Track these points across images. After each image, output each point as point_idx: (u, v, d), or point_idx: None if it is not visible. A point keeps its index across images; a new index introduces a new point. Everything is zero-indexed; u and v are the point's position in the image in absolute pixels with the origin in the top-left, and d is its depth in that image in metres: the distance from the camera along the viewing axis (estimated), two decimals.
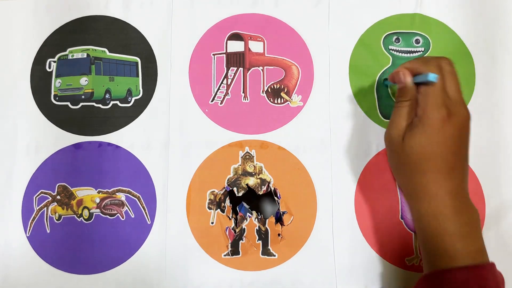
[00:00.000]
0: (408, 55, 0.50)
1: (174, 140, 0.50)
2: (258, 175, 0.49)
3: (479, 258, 0.37)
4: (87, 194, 0.49)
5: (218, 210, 0.48)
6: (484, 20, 0.50)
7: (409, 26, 0.50)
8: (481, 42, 0.50)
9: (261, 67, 0.51)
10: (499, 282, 0.37)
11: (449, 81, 0.39)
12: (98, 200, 0.49)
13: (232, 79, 0.51)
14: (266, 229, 0.48)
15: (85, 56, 0.51)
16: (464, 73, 0.49)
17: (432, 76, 0.38)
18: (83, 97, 0.51)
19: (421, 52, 0.50)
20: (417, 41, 0.50)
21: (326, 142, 0.49)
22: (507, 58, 0.49)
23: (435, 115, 0.38)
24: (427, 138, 0.38)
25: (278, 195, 0.48)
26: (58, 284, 0.48)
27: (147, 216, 0.48)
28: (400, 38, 0.50)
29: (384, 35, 0.50)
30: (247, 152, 0.49)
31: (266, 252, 0.47)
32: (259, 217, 0.48)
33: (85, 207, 0.49)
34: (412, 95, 0.40)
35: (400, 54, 0.50)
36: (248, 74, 0.51)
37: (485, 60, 0.50)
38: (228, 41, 0.51)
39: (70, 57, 0.52)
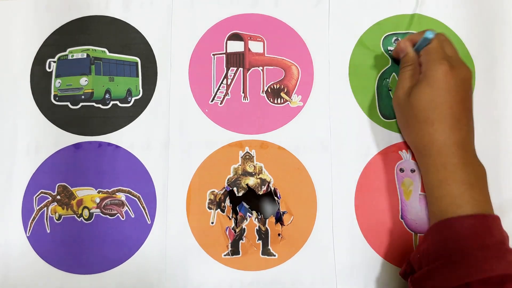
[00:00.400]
0: None
1: (174, 140, 0.50)
2: (258, 175, 0.49)
3: (486, 208, 0.39)
4: (87, 194, 0.49)
5: (218, 210, 0.48)
6: (483, 20, 0.50)
7: (409, 26, 0.50)
8: (480, 42, 0.50)
9: (261, 67, 0.51)
10: (503, 234, 0.38)
11: (446, 45, 0.44)
12: (98, 200, 0.49)
13: (232, 79, 0.51)
14: (266, 229, 0.48)
15: (85, 56, 0.52)
16: None
17: (429, 33, 0.42)
18: (83, 97, 0.51)
19: None
20: None
21: (326, 142, 0.49)
22: (507, 58, 0.49)
23: (438, 67, 0.41)
24: (432, 89, 0.41)
25: (278, 195, 0.48)
26: (58, 284, 0.48)
27: (147, 216, 0.48)
28: (399, 39, 0.50)
29: (383, 36, 0.50)
30: (247, 152, 0.49)
31: (266, 252, 0.47)
32: (259, 217, 0.48)
33: (85, 207, 0.49)
34: (413, 59, 0.44)
35: None
36: (248, 74, 0.51)
37: (484, 60, 0.50)
38: (228, 41, 0.51)
39: (70, 57, 0.52)
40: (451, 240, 0.38)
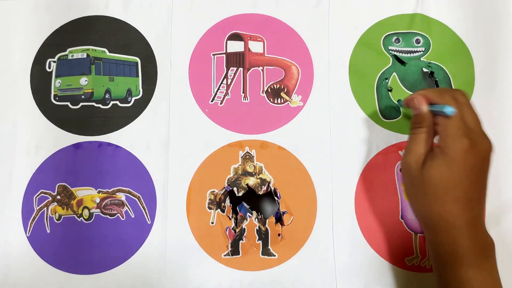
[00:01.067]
0: (409, 55, 0.50)
1: (174, 140, 0.50)
2: (258, 175, 0.49)
3: None
4: (87, 194, 0.49)
5: (218, 210, 0.48)
6: (483, 20, 0.50)
7: (409, 26, 0.50)
8: (481, 42, 0.50)
9: (261, 67, 0.51)
10: None
11: (466, 112, 0.38)
12: (98, 200, 0.49)
13: (232, 79, 0.51)
14: (266, 229, 0.48)
15: (85, 56, 0.52)
16: (464, 73, 0.49)
17: (450, 111, 0.37)
18: (83, 97, 0.51)
19: (422, 52, 0.50)
20: (418, 41, 0.50)
21: (326, 142, 0.49)
22: (507, 58, 0.49)
23: (458, 145, 0.36)
24: (449, 169, 0.37)
25: (278, 195, 0.48)
26: (58, 284, 0.48)
27: (147, 216, 0.48)
28: (400, 38, 0.50)
29: (384, 36, 0.50)
30: (247, 152, 0.49)
31: (266, 252, 0.47)
32: (259, 217, 0.48)
33: (85, 207, 0.49)
34: (428, 122, 0.39)
35: (401, 54, 0.50)
36: (248, 74, 0.51)
37: (485, 60, 0.50)
38: (228, 41, 0.51)
39: (70, 57, 0.52)
40: None
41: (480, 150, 0.37)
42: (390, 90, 0.49)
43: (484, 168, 0.38)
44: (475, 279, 0.37)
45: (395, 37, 0.50)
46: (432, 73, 0.50)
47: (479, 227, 0.38)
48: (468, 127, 0.37)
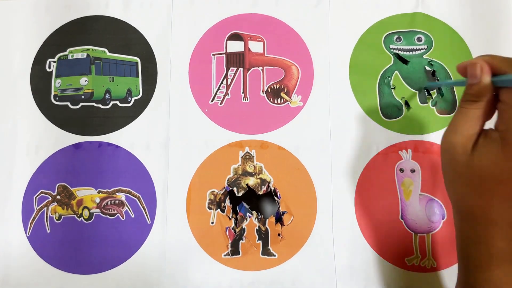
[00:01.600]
0: (411, 53, 0.50)
1: (174, 140, 0.50)
2: (258, 175, 0.49)
3: None
4: (87, 194, 0.49)
5: (218, 210, 0.48)
6: (485, 19, 0.50)
7: (410, 25, 0.50)
8: (482, 41, 0.50)
9: (261, 67, 0.51)
10: None
11: None
12: (98, 200, 0.49)
13: (232, 79, 0.51)
14: (266, 229, 0.48)
15: (85, 56, 0.52)
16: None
17: None
18: (83, 97, 0.51)
19: (424, 50, 0.50)
20: (419, 39, 0.50)
21: (326, 142, 0.49)
22: (508, 56, 0.49)
23: None
24: (507, 160, 0.30)
25: (278, 195, 0.48)
26: (58, 284, 0.48)
27: (147, 216, 0.48)
28: (401, 37, 0.50)
29: (385, 35, 0.50)
30: (247, 152, 0.49)
31: (266, 252, 0.47)
32: (259, 217, 0.48)
33: (85, 207, 0.49)
34: (488, 96, 0.32)
35: (402, 52, 0.50)
36: (248, 74, 0.51)
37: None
38: (228, 41, 0.51)
39: (70, 57, 0.52)
40: None
41: None
42: (393, 88, 0.49)
43: None
44: (505, 282, 0.32)
45: (396, 36, 0.50)
46: (434, 72, 0.49)
47: None
48: None
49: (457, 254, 0.36)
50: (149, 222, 0.48)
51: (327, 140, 0.49)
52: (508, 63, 0.32)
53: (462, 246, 0.35)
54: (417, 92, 0.49)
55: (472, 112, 0.33)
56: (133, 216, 0.49)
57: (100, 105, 0.51)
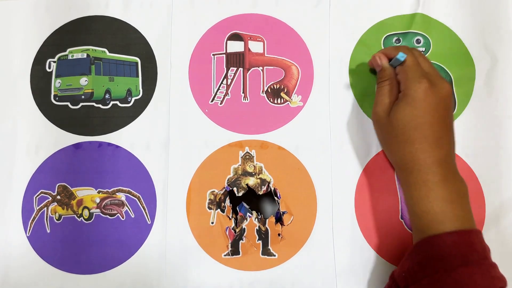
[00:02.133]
0: None
1: (174, 140, 0.50)
2: (258, 175, 0.49)
3: (467, 223, 0.39)
4: (87, 194, 0.49)
5: (218, 210, 0.48)
6: (483, 20, 0.50)
7: (409, 26, 0.50)
8: (481, 42, 0.50)
9: (261, 67, 0.51)
10: (486, 248, 0.38)
11: (422, 61, 0.43)
12: (98, 200, 0.49)
13: (232, 79, 0.51)
14: (266, 229, 0.48)
15: (85, 56, 0.52)
16: (464, 73, 0.49)
17: (401, 55, 0.42)
18: (83, 97, 0.51)
19: (422, 52, 0.50)
20: (418, 41, 0.50)
21: (326, 142, 0.49)
22: (508, 58, 0.49)
23: (417, 85, 0.41)
24: (412, 108, 0.40)
25: (278, 195, 0.48)
26: (58, 284, 0.48)
27: (147, 216, 0.48)
28: (400, 39, 0.50)
29: (384, 36, 0.50)
30: (247, 152, 0.49)
31: (266, 252, 0.47)
32: (259, 217, 0.48)
33: (85, 207, 0.49)
34: (389, 74, 0.44)
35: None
36: (248, 74, 0.51)
37: (485, 60, 0.49)
38: (228, 41, 0.51)
39: (70, 57, 0.52)
40: (435, 259, 0.38)
41: (439, 89, 0.41)
42: None
43: (446, 106, 0.41)
44: (448, 212, 0.39)
45: (395, 38, 0.50)
46: None
47: (449, 166, 0.41)
48: (425, 71, 0.42)
49: (404, 199, 0.43)
50: (149, 222, 0.48)
51: (327, 140, 0.49)
52: (396, 49, 0.44)
53: (406, 191, 0.42)
54: None
55: (383, 88, 0.44)
56: (133, 216, 0.49)
57: (100, 105, 0.51)
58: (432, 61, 0.49)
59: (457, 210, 0.39)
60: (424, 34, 0.50)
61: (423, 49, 0.50)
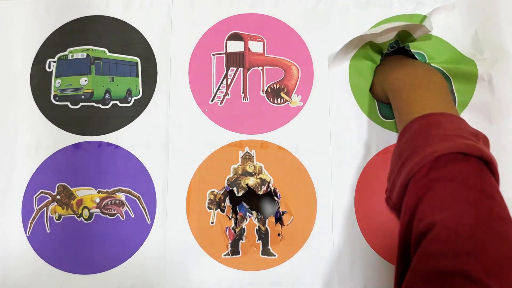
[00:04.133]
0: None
1: (174, 140, 0.50)
2: (258, 175, 0.49)
3: (440, 108, 0.40)
4: (87, 194, 0.49)
5: (218, 210, 0.48)
6: (482, 20, 0.50)
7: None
8: (480, 42, 0.50)
9: (261, 67, 0.51)
10: (462, 127, 0.38)
11: None
12: (98, 200, 0.49)
13: (232, 79, 0.51)
14: (266, 229, 0.48)
15: (85, 56, 0.52)
16: (465, 73, 0.49)
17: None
18: (83, 97, 0.51)
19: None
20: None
21: (326, 142, 0.49)
22: (507, 57, 0.49)
23: None
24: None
25: (278, 195, 0.48)
26: (58, 284, 0.48)
27: (147, 216, 0.48)
28: (395, 46, 0.50)
29: None
30: (247, 152, 0.49)
31: (266, 252, 0.47)
32: (259, 217, 0.48)
33: (85, 207, 0.49)
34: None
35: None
36: (248, 74, 0.51)
37: (485, 60, 0.49)
38: (228, 41, 0.51)
39: (70, 57, 0.52)
40: (405, 146, 0.39)
41: None
42: None
43: None
44: (418, 97, 0.41)
45: (391, 45, 0.50)
46: None
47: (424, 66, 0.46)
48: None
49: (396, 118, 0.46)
50: (149, 222, 0.48)
51: (327, 140, 0.49)
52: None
53: (396, 108, 0.45)
54: None
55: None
56: (133, 216, 0.49)
57: (100, 105, 0.51)
58: (432, 64, 0.49)
59: (426, 95, 0.41)
60: (419, 52, 0.50)
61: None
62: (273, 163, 0.49)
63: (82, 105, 0.51)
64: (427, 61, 0.49)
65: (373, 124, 0.49)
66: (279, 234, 0.48)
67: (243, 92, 0.50)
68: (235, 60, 0.51)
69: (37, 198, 0.49)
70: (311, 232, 0.47)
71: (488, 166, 0.36)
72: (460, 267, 0.29)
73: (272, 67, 0.51)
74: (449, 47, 0.50)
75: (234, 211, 0.48)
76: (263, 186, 0.48)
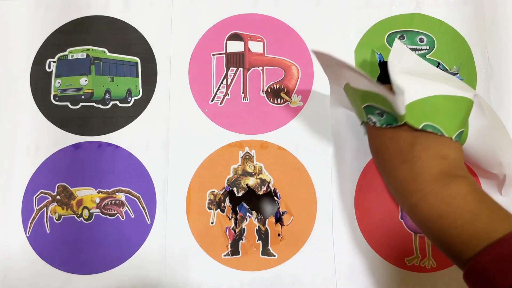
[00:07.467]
0: (414, 52, 0.50)
1: (174, 140, 0.50)
2: (258, 175, 0.49)
3: (502, 225, 0.31)
4: (87, 194, 0.49)
5: (218, 210, 0.48)
6: (484, 18, 0.50)
7: (410, 25, 0.50)
8: (481, 40, 0.50)
9: (260, 67, 0.51)
10: None
11: None
12: (98, 200, 0.49)
13: (232, 79, 0.51)
14: (266, 229, 0.48)
15: (85, 56, 0.52)
16: (466, 73, 0.49)
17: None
18: (83, 97, 0.51)
19: (426, 51, 0.50)
20: (421, 40, 0.50)
21: (326, 142, 0.49)
22: (508, 57, 0.49)
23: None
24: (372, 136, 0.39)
25: (278, 195, 0.48)
26: (58, 284, 0.48)
27: (147, 216, 0.48)
28: (404, 35, 0.50)
29: (387, 33, 0.50)
30: (247, 152, 0.49)
31: (266, 252, 0.47)
32: (259, 217, 0.48)
33: (85, 207, 0.49)
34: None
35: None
36: (248, 74, 0.51)
37: (485, 59, 0.49)
38: (228, 41, 0.51)
39: (70, 57, 0.52)
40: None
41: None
42: None
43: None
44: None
45: (399, 34, 0.50)
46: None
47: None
48: None
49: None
50: (149, 222, 0.48)
51: (327, 140, 0.49)
52: None
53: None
54: None
55: None
56: (133, 216, 0.49)
57: (100, 105, 0.51)
58: (434, 59, 0.49)
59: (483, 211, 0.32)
60: (427, 33, 0.50)
61: (427, 47, 0.50)
62: (273, 163, 0.49)
63: (82, 105, 0.51)
64: (436, 45, 0.49)
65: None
66: (279, 234, 0.48)
67: (243, 92, 0.50)
68: (235, 60, 0.51)
69: (37, 198, 0.49)
70: (311, 232, 0.47)
71: None
72: None
73: (272, 67, 0.51)
74: (458, 35, 0.50)
75: (234, 211, 0.48)
76: (263, 186, 0.48)
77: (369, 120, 0.38)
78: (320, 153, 0.49)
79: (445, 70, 0.49)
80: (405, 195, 0.35)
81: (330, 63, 0.38)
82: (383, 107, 0.36)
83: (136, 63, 0.51)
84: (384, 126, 0.36)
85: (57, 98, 0.51)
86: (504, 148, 0.40)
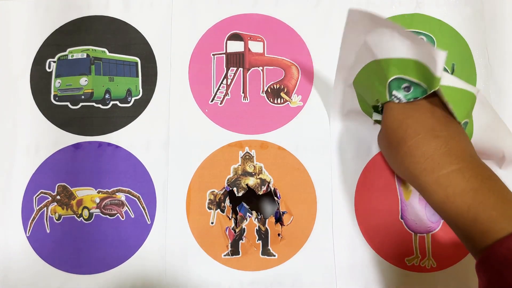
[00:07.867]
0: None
1: (174, 140, 0.50)
2: (258, 175, 0.49)
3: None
4: (87, 194, 0.49)
5: (218, 210, 0.48)
6: (483, 18, 0.50)
7: (411, 25, 0.50)
8: (481, 40, 0.50)
9: (260, 67, 0.51)
10: None
11: None
12: (98, 200, 0.49)
13: (232, 79, 0.51)
14: (266, 229, 0.48)
15: (85, 56, 0.52)
16: (466, 73, 0.49)
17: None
18: (83, 97, 0.51)
19: None
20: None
21: (326, 142, 0.49)
22: (508, 56, 0.49)
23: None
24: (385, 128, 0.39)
25: (278, 195, 0.48)
26: (58, 284, 0.48)
27: (147, 216, 0.48)
28: None
29: None
30: (247, 152, 0.49)
31: (266, 252, 0.47)
32: (259, 217, 0.48)
33: (85, 207, 0.49)
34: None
35: None
36: (248, 74, 0.51)
37: (485, 59, 0.49)
38: (228, 41, 0.51)
39: (70, 57, 0.52)
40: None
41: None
42: None
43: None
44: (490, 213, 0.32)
45: None
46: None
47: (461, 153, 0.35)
48: None
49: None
50: (149, 222, 0.48)
51: (327, 140, 0.49)
52: None
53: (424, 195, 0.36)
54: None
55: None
56: (133, 216, 0.49)
57: (100, 105, 0.51)
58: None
59: (500, 203, 0.32)
60: (427, 33, 0.50)
61: None
62: (273, 163, 0.49)
63: (82, 105, 0.51)
64: (435, 45, 0.49)
65: (374, 124, 0.49)
66: (279, 234, 0.48)
67: (243, 92, 0.50)
68: (235, 60, 0.51)
69: (37, 198, 0.49)
70: (311, 232, 0.47)
71: None
72: None
73: (272, 67, 0.51)
74: (457, 35, 0.50)
75: (234, 211, 0.48)
76: (263, 186, 0.48)
77: (394, 97, 0.37)
78: (320, 153, 0.49)
79: (444, 70, 0.49)
80: (434, 169, 0.34)
81: (360, 28, 0.37)
82: (414, 78, 0.35)
83: (136, 63, 0.51)
84: (411, 100, 0.36)
85: (57, 98, 0.51)
86: (505, 137, 0.41)
